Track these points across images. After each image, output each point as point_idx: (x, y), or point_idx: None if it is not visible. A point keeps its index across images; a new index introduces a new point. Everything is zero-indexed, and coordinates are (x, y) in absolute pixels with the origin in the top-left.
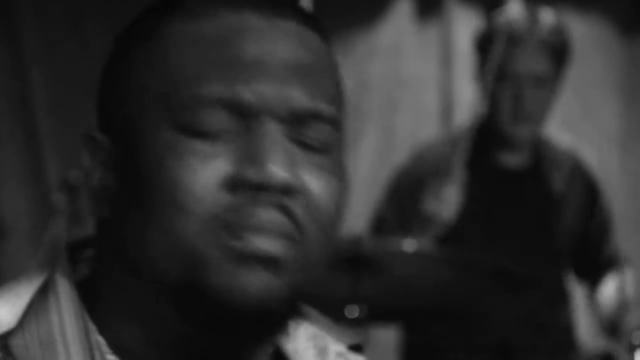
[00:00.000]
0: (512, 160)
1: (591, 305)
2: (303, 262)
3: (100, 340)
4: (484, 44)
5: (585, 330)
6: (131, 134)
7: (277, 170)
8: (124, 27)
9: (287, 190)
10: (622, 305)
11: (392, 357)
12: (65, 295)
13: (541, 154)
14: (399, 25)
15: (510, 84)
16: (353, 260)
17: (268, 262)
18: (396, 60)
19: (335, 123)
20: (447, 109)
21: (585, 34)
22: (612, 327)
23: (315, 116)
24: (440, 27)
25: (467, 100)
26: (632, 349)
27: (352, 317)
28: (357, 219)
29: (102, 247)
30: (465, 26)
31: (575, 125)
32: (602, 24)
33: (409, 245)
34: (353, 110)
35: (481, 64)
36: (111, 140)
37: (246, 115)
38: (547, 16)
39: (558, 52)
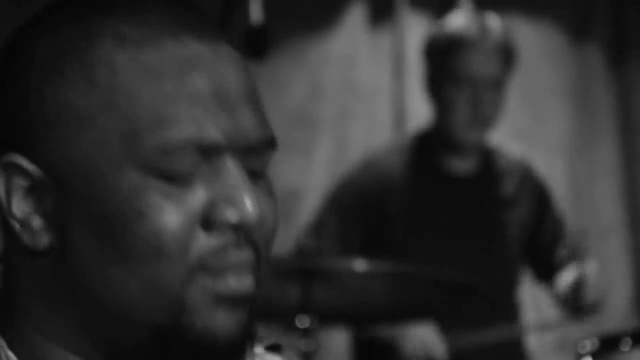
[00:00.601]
0: (462, 166)
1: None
2: (259, 279)
3: (11, 356)
4: (434, 50)
5: (535, 342)
6: (84, 172)
7: (253, 210)
8: (26, 26)
9: (258, 227)
10: (580, 283)
11: None
12: None
13: (490, 161)
14: (351, 34)
15: (467, 88)
16: (302, 271)
17: (243, 300)
18: (349, 69)
19: (272, 147)
20: (399, 118)
21: (536, 41)
22: (572, 306)
23: (265, 145)
24: (392, 36)
25: (420, 109)
26: (578, 359)
27: (303, 326)
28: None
29: (30, 278)
30: (417, 35)
31: (525, 132)
32: (552, 32)
33: (359, 264)
34: (306, 119)
35: (431, 71)
36: (43, 171)
37: (211, 154)
38: (495, 21)
39: (508, 54)
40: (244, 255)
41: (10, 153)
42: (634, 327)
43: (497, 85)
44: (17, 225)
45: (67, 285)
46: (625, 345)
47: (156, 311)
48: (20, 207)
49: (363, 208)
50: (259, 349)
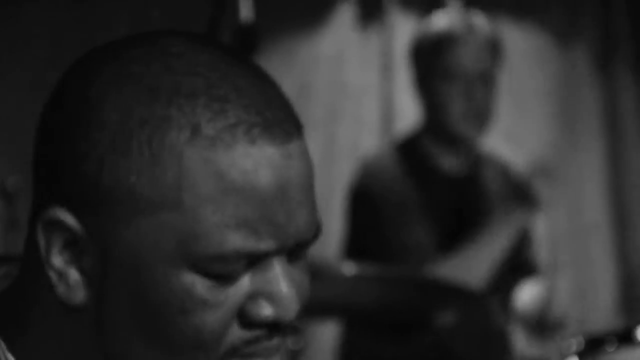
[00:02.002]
0: (455, 165)
1: (513, 309)
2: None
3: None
4: (423, 49)
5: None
6: (132, 256)
7: (290, 309)
8: (92, 80)
9: (295, 318)
10: (545, 308)
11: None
12: None
13: (478, 161)
14: (340, 33)
15: (459, 83)
16: None
17: None
18: (337, 68)
19: (318, 234)
20: (387, 117)
21: (523, 44)
22: (539, 329)
23: (313, 239)
24: (381, 35)
25: (408, 108)
26: (563, 358)
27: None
28: None
29: (50, 316)
30: (405, 35)
31: (512, 134)
32: (539, 35)
33: (348, 268)
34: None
35: (421, 69)
36: (88, 233)
37: (262, 258)
38: (480, 18)
39: (495, 49)
40: (275, 342)
41: (56, 206)
42: (619, 327)
43: (488, 79)
44: (54, 276)
45: (94, 346)
46: (611, 345)
47: None
48: (58, 258)
49: (366, 213)
50: None
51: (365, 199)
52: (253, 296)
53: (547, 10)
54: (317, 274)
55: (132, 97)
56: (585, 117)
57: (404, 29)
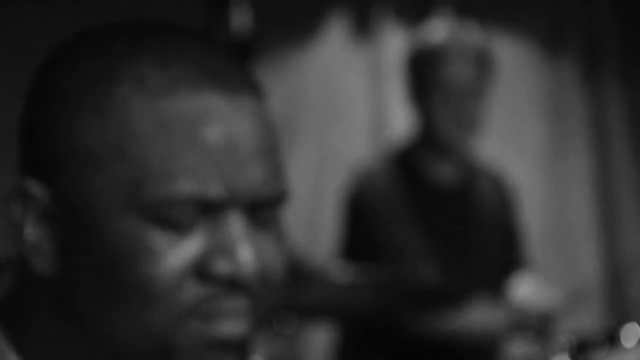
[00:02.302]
0: (447, 175)
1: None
2: (257, 328)
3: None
4: (416, 61)
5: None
6: (90, 210)
7: (248, 263)
8: (54, 57)
9: (256, 277)
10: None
11: None
12: None
13: (472, 172)
14: (332, 42)
15: (449, 95)
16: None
17: (235, 345)
18: (329, 77)
19: (285, 198)
20: (379, 125)
21: (511, 54)
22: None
23: (275, 199)
24: (372, 44)
25: (398, 116)
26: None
27: (286, 330)
28: (291, 237)
29: (38, 296)
30: (396, 44)
31: (502, 141)
32: (527, 45)
33: (342, 273)
34: (287, 126)
35: (414, 81)
36: (55, 200)
37: (213, 208)
38: (473, 30)
39: (486, 61)
40: (237, 302)
41: (28, 178)
42: (607, 330)
43: (478, 90)
44: (27, 249)
45: (66, 313)
46: (600, 346)
47: (145, 353)
48: (32, 231)
49: (359, 223)
50: None
51: (358, 209)
52: (209, 251)
53: (534, 20)
54: (312, 278)
55: (83, 62)
56: (573, 126)
57: (394, 39)
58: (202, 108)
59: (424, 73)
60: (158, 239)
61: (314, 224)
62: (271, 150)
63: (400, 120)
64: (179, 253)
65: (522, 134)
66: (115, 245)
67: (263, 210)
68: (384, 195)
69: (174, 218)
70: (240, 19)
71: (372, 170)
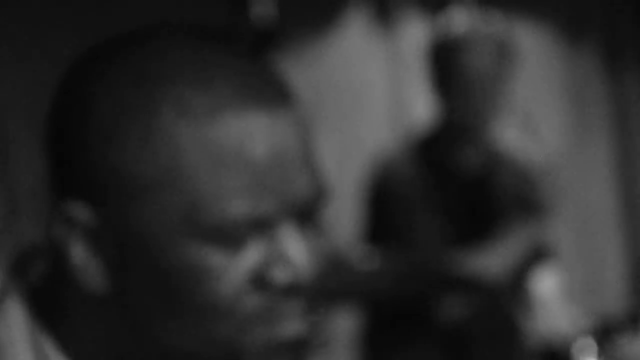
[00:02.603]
0: (469, 164)
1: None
2: (313, 324)
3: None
4: (437, 51)
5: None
6: (142, 239)
7: (303, 271)
8: (82, 73)
9: (311, 283)
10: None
11: (352, 349)
12: (16, 318)
13: (495, 160)
14: (351, 32)
15: (468, 84)
16: None
17: (297, 344)
18: (348, 67)
19: (326, 199)
20: (399, 114)
21: (531, 43)
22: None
23: (321, 203)
24: (391, 34)
25: (419, 105)
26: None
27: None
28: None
29: (86, 312)
30: (415, 33)
31: (514, 131)
32: (547, 35)
33: (368, 258)
34: (308, 116)
35: (435, 71)
36: (103, 221)
37: (267, 222)
38: (493, 18)
39: (507, 51)
40: (295, 304)
41: (71, 198)
42: (631, 314)
43: (498, 79)
44: (75, 269)
45: (123, 331)
46: (623, 332)
47: (215, 358)
48: (79, 253)
49: (381, 209)
50: None
51: (381, 195)
52: (265, 262)
53: (555, 9)
54: (337, 263)
55: (119, 83)
56: (594, 111)
57: (414, 27)
58: (246, 128)
59: (445, 62)
60: (216, 257)
61: (336, 210)
62: (310, 154)
63: (421, 108)
64: (237, 267)
65: (541, 123)
66: (175, 267)
67: (311, 214)
68: (406, 182)
69: (230, 236)
70: (263, 9)
71: (394, 157)
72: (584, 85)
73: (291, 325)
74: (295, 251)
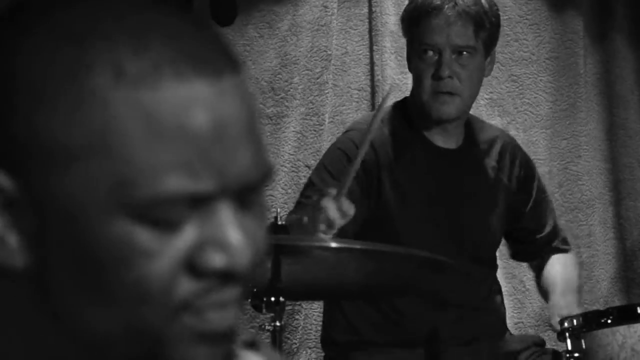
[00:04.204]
0: (442, 139)
1: (541, 285)
2: (241, 312)
3: None
4: (405, 22)
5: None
6: (67, 210)
7: (241, 257)
8: (8, 28)
9: (249, 269)
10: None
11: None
12: None
13: (472, 133)
14: (323, 0)
15: (432, 58)
16: (274, 246)
17: (224, 335)
18: (321, 37)
19: (270, 177)
20: (373, 86)
21: (516, 11)
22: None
23: (262, 180)
24: (366, 3)
25: (394, 77)
26: (562, 335)
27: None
28: (280, 203)
29: (3, 289)
30: (392, 3)
31: (505, 104)
32: (533, 1)
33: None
34: (277, 89)
35: (407, 44)
36: (23, 191)
37: (204, 201)
38: None
39: (478, 22)
40: (229, 293)
41: None
42: (615, 304)
43: (464, 54)
44: None
45: (41, 310)
46: (608, 321)
47: (135, 348)
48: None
49: (345, 160)
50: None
51: (344, 154)
52: (201, 245)
53: None
54: (300, 248)
55: (50, 40)
56: (581, 85)
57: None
58: (186, 96)
59: (410, 33)
60: (148, 238)
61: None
62: (255, 128)
63: (396, 81)
64: (170, 251)
65: (526, 95)
66: (102, 245)
67: (251, 193)
68: (377, 149)
69: (164, 216)
70: None
71: (364, 120)
72: (571, 54)
73: (220, 315)
74: (234, 235)
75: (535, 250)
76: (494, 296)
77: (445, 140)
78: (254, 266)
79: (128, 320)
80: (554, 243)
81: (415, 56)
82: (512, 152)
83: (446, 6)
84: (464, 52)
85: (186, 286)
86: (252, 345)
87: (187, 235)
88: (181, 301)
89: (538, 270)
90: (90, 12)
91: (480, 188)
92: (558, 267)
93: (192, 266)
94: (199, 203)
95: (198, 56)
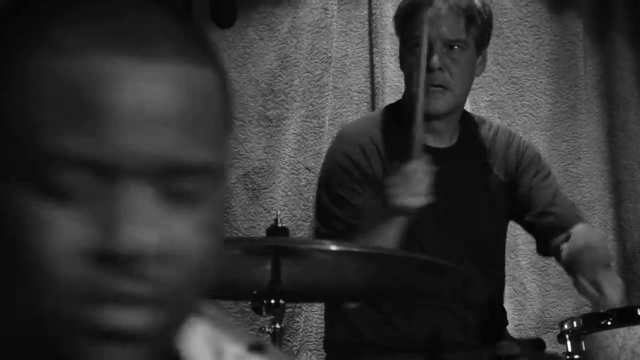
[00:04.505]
0: (435, 138)
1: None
2: (170, 317)
3: None
4: (397, 19)
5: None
6: None
7: (141, 241)
8: None
9: (152, 258)
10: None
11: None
12: None
13: (468, 131)
14: (322, 2)
15: (422, 55)
16: (274, 248)
17: (128, 337)
18: (321, 39)
19: (212, 171)
20: (373, 88)
21: (516, 12)
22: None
23: (189, 168)
24: (366, 5)
25: (394, 78)
26: (561, 337)
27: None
28: (280, 205)
29: None
30: (392, 5)
31: (505, 106)
32: (532, 2)
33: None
34: (276, 91)
35: (399, 41)
36: None
37: (107, 175)
38: None
39: (469, 17)
40: (134, 288)
41: None
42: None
43: (455, 48)
44: None
45: None
46: (608, 323)
47: (27, 326)
48: None
49: (348, 178)
50: (239, 350)
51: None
52: (100, 226)
53: None
54: (300, 251)
55: None
56: (581, 87)
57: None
58: (109, 70)
59: (400, 27)
60: (40, 207)
61: (307, 190)
62: (191, 118)
63: (397, 83)
64: (64, 226)
65: (526, 97)
66: (2, 214)
67: (178, 180)
68: (369, 150)
69: (61, 183)
70: None
71: (356, 127)
72: (571, 56)
73: (123, 312)
74: (142, 219)
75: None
76: (496, 299)
77: (435, 139)
78: (174, 267)
79: (21, 304)
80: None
81: (407, 52)
82: (512, 147)
83: (438, 0)
84: (455, 47)
85: (80, 270)
86: (258, 348)
87: (87, 213)
88: (72, 287)
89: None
90: None
91: (475, 187)
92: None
93: (88, 249)
94: (103, 176)
95: (136, 35)
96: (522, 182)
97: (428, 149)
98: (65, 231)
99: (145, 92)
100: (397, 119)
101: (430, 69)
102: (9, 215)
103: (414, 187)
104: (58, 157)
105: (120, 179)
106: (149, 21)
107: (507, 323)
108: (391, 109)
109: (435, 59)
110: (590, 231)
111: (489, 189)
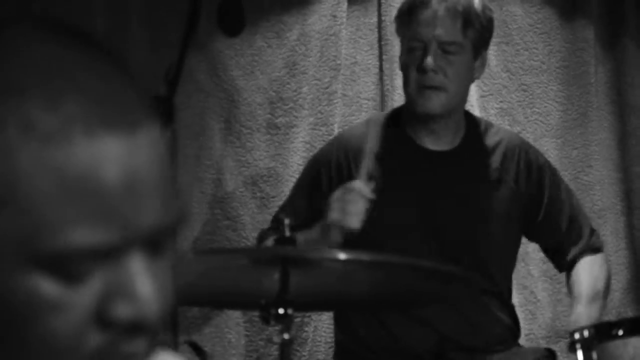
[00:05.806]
0: (435, 141)
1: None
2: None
3: None
4: (397, 21)
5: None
6: None
7: (150, 308)
8: None
9: (159, 319)
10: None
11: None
12: None
13: (472, 135)
14: (331, 9)
15: (417, 53)
16: (283, 258)
17: None
18: (330, 47)
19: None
20: (382, 97)
21: (527, 19)
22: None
23: (172, 227)
24: (374, 10)
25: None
26: (572, 347)
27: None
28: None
29: None
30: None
31: (515, 113)
32: (543, 9)
33: (340, 253)
34: (285, 99)
35: (400, 43)
36: None
37: (111, 252)
38: None
39: (466, 18)
40: (136, 345)
41: None
42: (627, 315)
43: (451, 49)
44: None
45: None
46: (620, 333)
47: None
48: None
49: (329, 178)
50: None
51: (335, 165)
52: (109, 296)
53: None
54: (309, 260)
55: None
56: (592, 94)
57: (397, 4)
58: (96, 152)
59: (402, 32)
60: (55, 290)
61: None
62: (167, 175)
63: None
64: (78, 303)
65: (536, 105)
66: (9, 300)
67: (162, 239)
68: (362, 151)
69: (71, 268)
70: None
71: (354, 128)
72: (582, 62)
73: None
74: (142, 286)
75: (564, 251)
76: (500, 308)
77: (435, 142)
78: (163, 315)
79: None
80: (582, 243)
81: (404, 53)
82: (519, 152)
83: (435, 1)
84: (451, 48)
85: (95, 339)
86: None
87: (95, 287)
88: (90, 354)
89: (568, 274)
90: (5, 64)
91: (477, 191)
92: (584, 274)
93: (100, 318)
94: (106, 255)
95: (111, 111)
96: (535, 199)
97: (426, 152)
98: (82, 307)
99: (135, 164)
100: (398, 124)
101: (423, 70)
102: (20, 302)
103: (349, 206)
104: (68, 251)
105: (120, 253)
106: (117, 90)
107: (519, 332)
108: (394, 114)
109: (429, 60)
110: (593, 266)
111: (492, 193)
